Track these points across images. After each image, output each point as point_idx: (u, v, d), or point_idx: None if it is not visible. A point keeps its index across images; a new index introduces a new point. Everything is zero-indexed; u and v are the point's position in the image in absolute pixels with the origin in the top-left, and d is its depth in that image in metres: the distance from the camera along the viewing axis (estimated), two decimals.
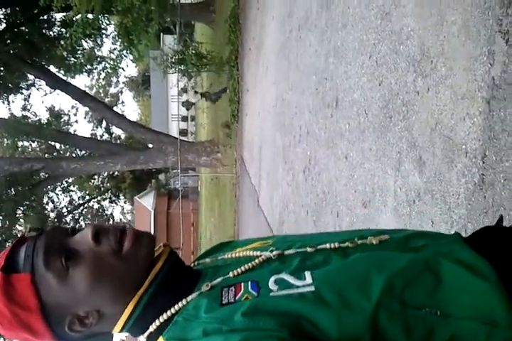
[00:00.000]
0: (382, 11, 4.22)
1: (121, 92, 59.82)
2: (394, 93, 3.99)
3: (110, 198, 48.50)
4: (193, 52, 17.34)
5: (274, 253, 1.12)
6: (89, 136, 40.88)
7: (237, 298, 1.02)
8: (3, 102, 22.63)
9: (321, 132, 6.06)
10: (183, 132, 42.83)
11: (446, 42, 3.21)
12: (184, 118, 46.02)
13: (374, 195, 4.36)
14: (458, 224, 3.07)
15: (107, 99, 53.27)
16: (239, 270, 1.09)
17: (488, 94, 2.79)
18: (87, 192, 44.50)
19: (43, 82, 21.71)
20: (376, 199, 4.32)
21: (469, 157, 2.96)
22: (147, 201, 39.61)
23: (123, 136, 43.28)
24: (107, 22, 19.10)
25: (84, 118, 47.90)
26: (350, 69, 4.98)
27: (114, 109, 43.35)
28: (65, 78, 20.42)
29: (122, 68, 18.68)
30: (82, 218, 44.73)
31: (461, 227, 3.03)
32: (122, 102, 60.51)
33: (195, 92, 18.32)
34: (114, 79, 53.72)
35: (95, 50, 22.61)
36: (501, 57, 2.68)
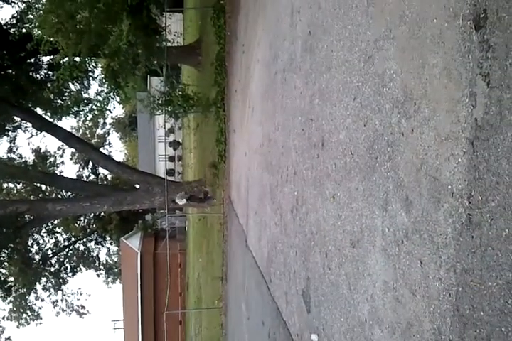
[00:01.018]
0: (365, 54, 4.32)
1: (108, 133, 59.98)
2: (379, 134, 4.04)
3: (96, 239, 47.96)
4: (180, 93, 17.54)
5: None
6: (76, 178, 40.78)
7: None
8: None
9: (307, 172, 6.09)
10: (170, 172, 42.86)
11: (429, 85, 3.28)
12: (171, 159, 46.15)
13: (362, 234, 4.36)
14: (447, 264, 3.07)
15: (93, 140, 53.39)
16: None
17: (471, 135, 2.84)
18: (73, 234, 44.00)
19: (29, 124, 21.76)
20: (364, 239, 4.31)
21: (455, 197, 2.98)
22: (133, 242, 39.19)
23: (109, 177, 43.24)
24: (94, 65, 19.34)
25: (71, 159, 47.86)
26: (335, 111, 5.05)
27: (101, 150, 43.40)
28: (51, 120, 20.49)
29: (109, 110, 18.82)
30: (67, 260, 44.08)
31: (450, 267, 3.02)
32: (109, 143, 60.55)
33: (182, 196, 18.54)
34: (101, 121, 54.00)
35: (82, 93, 22.80)
36: (483, 99, 2.74)
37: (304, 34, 6.31)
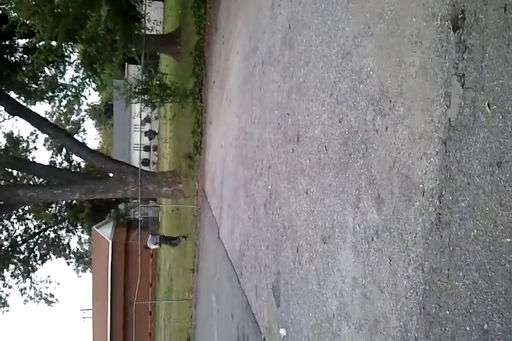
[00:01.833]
0: (343, 50, 4.32)
1: (83, 120, 59.33)
2: (353, 131, 4.05)
3: (67, 227, 47.52)
4: (157, 82, 17.39)
5: None
6: (48, 164, 40.25)
7: None
8: None
9: (282, 166, 6.09)
10: (145, 162, 42.57)
11: (405, 83, 3.30)
12: (146, 148, 45.84)
13: (333, 230, 4.38)
14: (415, 263, 3.10)
15: (67, 127, 52.73)
16: None
17: (444, 135, 2.86)
18: (44, 221, 43.57)
19: (1, 108, 21.38)
20: (335, 236, 4.33)
21: (426, 196, 3.01)
22: (105, 231, 38.89)
23: (83, 165, 42.81)
24: (70, 50, 19.06)
25: (44, 145, 47.29)
26: (312, 106, 5.05)
27: (75, 137, 42.89)
28: (25, 104, 20.16)
29: (84, 96, 18.58)
30: (37, 247, 43.62)
31: (418, 266, 3.05)
32: (84, 130, 59.89)
33: (153, 240, 18.60)
34: (76, 107, 53.36)
35: (57, 78, 22.45)
36: (457, 100, 2.76)
37: (283, 27, 6.29)
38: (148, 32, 20.96)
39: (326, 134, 4.67)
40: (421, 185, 3.07)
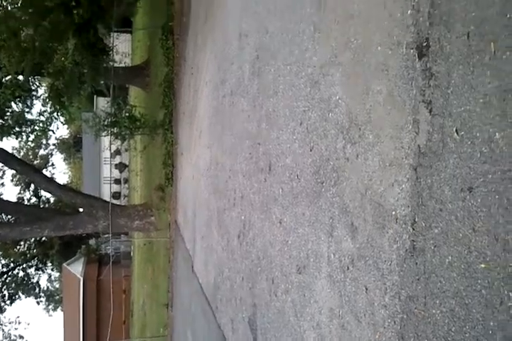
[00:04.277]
0: (311, 79, 4.37)
1: (51, 154, 58.71)
2: (324, 159, 4.07)
3: (36, 265, 46.46)
4: (127, 115, 17.37)
5: None
6: (16, 200, 39.55)
7: None
8: None
9: (255, 196, 6.07)
10: (116, 195, 42.13)
11: (373, 111, 3.33)
12: (117, 181, 45.42)
13: (308, 260, 4.35)
14: (391, 291, 3.08)
15: (36, 162, 52.09)
16: None
17: (414, 161, 2.88)
18: (12, 260, 42.53)
19: None
20: (310, 266, 4.30)
21: (399, 223, 3.01)
22: (76, 268, 38.11)
23: (52, 200, 42.16)
24: (38, 84, 18.97)
25: (11, 181, 46.51)
26: (282, 135, 5.07)
27: (44, 171, 42.35)
28: None
29: (52, 131, 18.44)
30: (5, 287, 42.47)
31: (395, 294, 3.03)
32: (52, 164, 59.20)
33: None
34: (44, 141, 52.84)
35: (25, 112, 22.26)
36: (426, 126, 2.79)
37: (251, 58, 6.36)
38: (116, 64, 21.01)
39: (297, 163, 4.68)
40: (393, 212, 3.08)
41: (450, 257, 2.57)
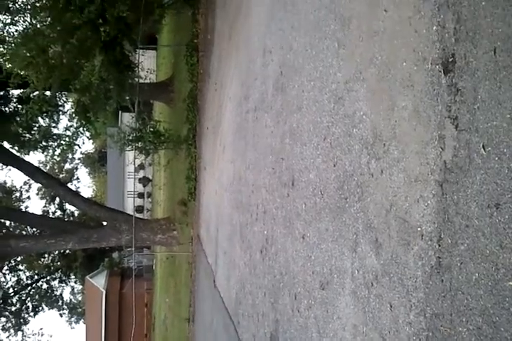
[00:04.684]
0: (335, 95, 4.37)
1: (77, 168, 59.45)
2: (348, 174, 4.05)
3: (60, 278, 46.82)
4: (151, 130, 17.52)
5: None
6: (41, 213, 40.03)
7: None
8: None
9: (277, 211, 6.05)
10: (139, 209, 42.39)
11: (398, 127, 3.31)
12: (140, 195, 45.73)
13: (332, 276, 4.31)
14: (416, 308, 3.03)
15: (61, 175, 52.76)
16: None
17: (440, 177, 2.85)
18: (36, 272, 42.95)
19: None
20: (334, 281, 4.26)
21: (425, 239, 2.97)
22: (99, 281, 38.28)
23: (76, 213, 42.59)
24: (64, 99, 19.27)
25: (37, 194, 47.13)
26: (306, 150, 5.07)
27: (69, 185, 42.83)
28: (18, 154, 20.21)
29: (78, 145, 18.69)
30: (29, 299, 42.85)
31: (420, 311, 2.98)
32: (77, 178, 59.88)
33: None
34: (70, 156, 53.54)
35: (51, 127, 22.62)
36: (452, 142, 2.76)
37: (275, 74, 6.39)
38: (141, 80, 21.27)
39: (320, 178, 4.67)
40: (419, 229, 3.04)
41: (477, 274, 2.52)
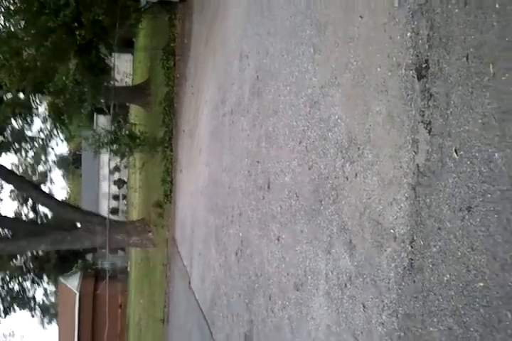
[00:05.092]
0: (311, 99, 4.38)
1: (50, 171, 58.63)
2: (323, 177, 4.06)
3: (33, 279, 46.04)
4: (127, 132, 17.37)
5: None
6: (14, 216, 39.35)
7: None
8: None
9: (253, 213, 6.05)
10: (114, 211, 41.99)
11: (372, 131, 3.34)
12: (115, 197, 45.33)
13: (306, 278, 4.32)
14: (389, 309, 3.05)
15: (34, 178, 51.96)
16: None
17: (413, 180, 2.88)
18: (8, 273, 42.17)
19: None
20: (308, 283, 4.26)
21: (398, 241, 2.99)
22: (72, 282, 37.79)
23: (50, 215, 41.98)
24: (38, 101, 19.00)
25: (10, 196, 46.28)
26: (281, 154, 5.07)
27: (42, 187, 42.21)
28: None
29: (52, 147, 18.49)
30: (0, 300, 42.05)
31: (392, 312, 3.00)
32: (51, 181, 59.08)
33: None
34: (43, 158, 52.78)
35: (24, 129, 22.29)
36: (425, 146, 2.79)
37: (251, 78, 6.39)
38: (117, 84, 21.10)
39: (296, 181, 4.68)
40: (392, 231, 3.06)
41: (448, 275, 2.55)
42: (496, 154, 2.27)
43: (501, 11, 2.28)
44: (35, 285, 46.85)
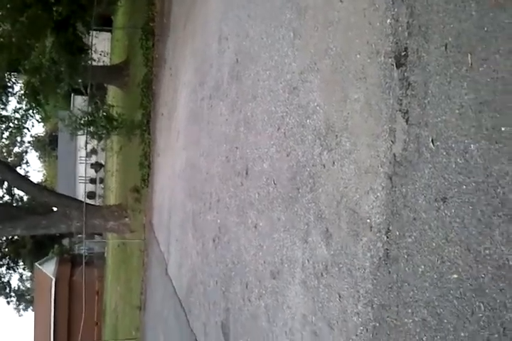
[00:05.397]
0: (290, 85, 4.37)
1: (26, 152, 57.95)
2: (301, 165, 4.07)
3: (8, 264, 45.78)
4: (104, 114, 17.22)
5: None
6: None
7: None
8: None
9: (231, 200, 6.05)
10: (91, 195, 41.77)
11: (350, 119, 3.34)
12: (92, 181, 45.06)
13: (282, 266, 4.35)
14: (364, 299, 3.09)
15: (10, 159, 51.36)
16: None
17: (390, 170, 2.90)
18: None
19: None
20: (285, 271, 4.30)
21: (374, 231, 3.02)
22: (48, 268, 37.65)
23: (25, 199, 41.63)
24: (14, 80, 18.72)
25: None
26: (260, 140, 5.07)
27: (18, 169, 41.76)
28: None
29: (27, 128, 18.22)
30: None
31: (368, 302, 3.04)
32: (27, 162, 58.44)
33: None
34: (19, 139, 52.12)
35: None
36: (402, 136, 2.81)
37: (231, 61, 6.35)
38: (95, 63, 20.83)
39: (274, 168, 4.68)
40: (368, 220, 3.09)
41: (423, 266, 2.58)
42: (472, 145, 2.29)
43: (480, 0, 2.29)
44: (11, 271, 46.63)
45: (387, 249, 2.89)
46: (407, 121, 2.76)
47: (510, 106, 2.11)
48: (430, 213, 2.55)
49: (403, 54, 2.83)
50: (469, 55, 2.32)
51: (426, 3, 2.67)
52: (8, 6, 15.04)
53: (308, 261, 3.87)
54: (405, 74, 2.80)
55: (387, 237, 2.89)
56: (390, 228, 2.87)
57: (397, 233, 2.80)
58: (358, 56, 3.28)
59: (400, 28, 2.87)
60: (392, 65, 2.91)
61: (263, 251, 4.83)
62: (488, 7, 2.25)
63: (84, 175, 39.05)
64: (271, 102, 4.81)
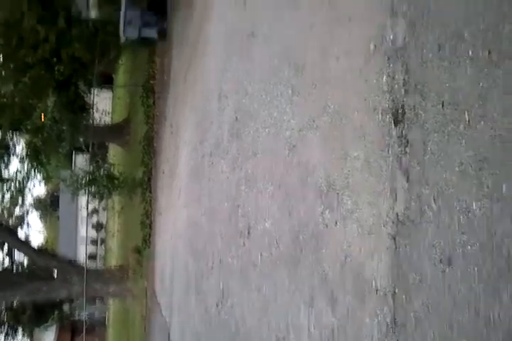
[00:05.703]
0: (290, 142, 4.41)
1: (27, 213, 57.94)
2: (303, 224, 4.04)
3: (6, 332, 44.90)
4: (105, 173, 17.35)
5: None
6: None
7: None
8: None
9: (233, 261, 5.98)
10: (92, 256, 41.46)
11: (351, 177, 3.35)
12: (94, 242, 44.85)
13: (288, 332, 4.24)
14: None
15: (10, 221, 51.26)
16: None
17: (393, 229, 2.87)
18: None
19: None
20: (290, 338, 4.19)
21: (379, 294, 2.96)
22: (48, 336, 36.89)
23: (26, 263, 41.29)
24: (16, 141, 19.00)
25: None
26: (261, 199, 5.06)
27: (19, 230, 41.58)
28: None
29: (29, 189, 18.34)
30: None
31: None
32: (27, 224, 58.36)
33: None
34: (20, 200, 52.21)
35: (1, 170, 22.14)
36: (404, 194, 2.80)
37: (230, 119, 6.44)
38: (96, 122, 21.19)
39: (276, 227, 4.65)
40: (373, 282, 3.04)
41: (432, 333, 2.51)
42: (474, 204, 2.28)
43: (474, 57, 2.33)
44: (9, 339, 45.70)
45: (394, 314, 2.82)
46: (407, 179, 2.76)
47: (509, 163, 2.11)
48: (436, 275, 2.50)
49: (400, 111, 2.86)
50: (466, 112, 2.34)
51: (421, 60, 2.72)
52: (12, 66, 15.45)
53: (314, 327, 3.78)
54: (403, 131, 2.82)
55: (394, 301, 2.83)
56: (396, 291, 2.81)
57: (404, 296, 2.75)
58: (356, 113, 3.32)
59: (396, 86, 2.92)
60: (390, 122, 2.94)
61: (267, 316, 4.73)
62: (482, 64, 2.29)
63: (85, 236, 38.91)
64: (271, 160, 4.84)
